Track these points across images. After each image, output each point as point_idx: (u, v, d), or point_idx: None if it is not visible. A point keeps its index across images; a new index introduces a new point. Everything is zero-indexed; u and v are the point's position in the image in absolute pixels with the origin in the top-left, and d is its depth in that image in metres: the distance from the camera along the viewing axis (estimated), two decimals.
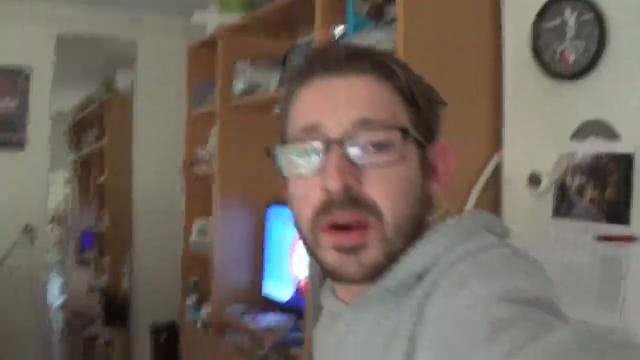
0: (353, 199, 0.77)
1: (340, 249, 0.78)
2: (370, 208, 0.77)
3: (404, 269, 0.78)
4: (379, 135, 0.78)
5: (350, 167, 0.77)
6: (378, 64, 0.81)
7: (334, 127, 0.78)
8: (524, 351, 0.58)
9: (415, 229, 0.80)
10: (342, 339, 0.86)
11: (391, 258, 0.78)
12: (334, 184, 0.76)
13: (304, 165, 0.80)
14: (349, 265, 0.78)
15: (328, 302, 0.91)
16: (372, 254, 0.78)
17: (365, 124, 0.78)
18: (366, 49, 0.85)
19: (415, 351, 0.71)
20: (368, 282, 0.79)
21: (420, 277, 0.77)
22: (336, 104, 0.79)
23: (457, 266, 0.73)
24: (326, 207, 0.78)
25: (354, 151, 0.78)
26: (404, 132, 0.79)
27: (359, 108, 0.79)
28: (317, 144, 0.78)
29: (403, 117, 0.81)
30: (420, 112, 0.82)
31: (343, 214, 0.77)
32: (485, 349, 0.60)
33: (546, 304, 0.66)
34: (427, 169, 0.83)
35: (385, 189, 0.78)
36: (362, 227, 0.78)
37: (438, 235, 0.79)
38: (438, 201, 0.85)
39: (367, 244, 0.78)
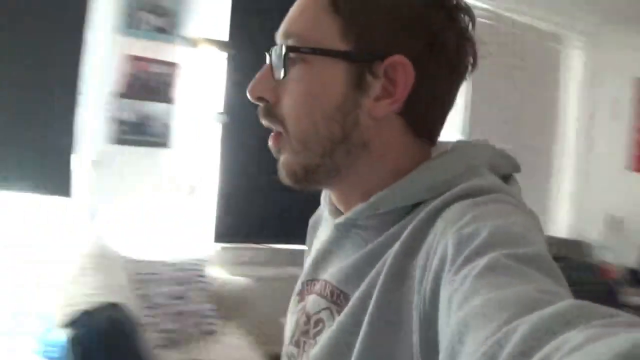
0: (267, 110, 0.82)
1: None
2: (278, 121, 0.81)
3: (394, 194, 0.78)
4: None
5: (272, 79, 0.80)
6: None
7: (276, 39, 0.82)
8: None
9: (334, 145, 0.80)
10: (331, 250, 0.88)
11: (308, 169, 0.81)
12: (249, 95, 0.82)
13: None
14: (279, 167, 0.84)
15: (325, 204, 0.93)
16: (287, 159, 0.82)
17: (286, 37, 0.80)
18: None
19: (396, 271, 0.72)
20: (300, 187, 0.84)
21: (414, 206, 0.77)
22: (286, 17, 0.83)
23: (455, 208, 0.71)
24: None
25: (273, 63, 0.80)
26: (304, 50, 0.78)
27: (288, 21, 0.82)
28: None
29: (330, 34, 0.78)
30: (354, 25, 0.78)
31: (265, 122, 0.83)
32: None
33: (546, 264, 0.62)
34: (364, 86, 0.78)
35: (287, 103, 0.80)
36: (276, 134, 0.83)
37: (438, 165, 0.79)
38: (374, 120, 0.79)
39: (281, 150, 0.83)
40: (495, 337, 0.49)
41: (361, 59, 0.78)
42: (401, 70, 0.77)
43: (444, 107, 0.83)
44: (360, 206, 0.81)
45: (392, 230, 0.78)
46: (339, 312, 0.79)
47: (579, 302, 0.50)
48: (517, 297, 0.53)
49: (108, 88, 3.39)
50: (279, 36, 0.82)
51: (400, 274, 0.72)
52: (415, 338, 0.67)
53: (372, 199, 0.80)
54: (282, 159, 0.83)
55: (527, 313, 0.50)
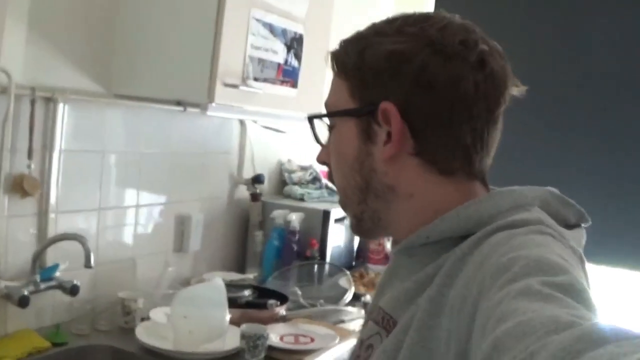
0: (328, 173, 0.97)
1: None
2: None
3: (442, 224, 0.84)
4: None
5: (327, 146, 0.96)
6: (337, 60, 0.92)
7: None
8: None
9: (362, 192, 0.90)
10: (390, 277, 0.96)
11: (357, 218, 0.94)
12: (316, 160, 0.99)
13: None
14: None
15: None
16: (348, 212, 0.95)
17: (324, 108, 0.95)
18: (341, 47, 0.92)
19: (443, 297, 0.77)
20: (363, 236, 0.99)
21: (466, 236, 0.81)
22: None
23: (496, 238, 0.76)
24: None
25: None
26: (328, 115, 0.93)
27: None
28: None
29: (343, 97, 0.90)
30: (356, 84, 0.88)
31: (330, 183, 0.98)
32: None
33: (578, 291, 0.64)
34: (372, 136, 0.87)
35: (332, 166, 0.94)
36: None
37: (486, 201, 0.84)
38: (388, 165, 0.87)
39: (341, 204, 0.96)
40: (522, 356, 0.51)
41: (364, 112, 0.87)
42: (392, 114, 0.84)
43: (463, 142, 0.86)
44: (412, 235, 0.87)
45: (439, 260, 0.82)
46: (387, 337, 0.85)
47: (607, 324, 0.52)
48: (548, 319, 0.54)
49: None
50: None
51: (440, 302, 0.77)
52: None
53: (422, 229, 0.85)
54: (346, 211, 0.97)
55: (555, 334, 0.51)
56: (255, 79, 1.96)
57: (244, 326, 1.79)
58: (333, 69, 0.93)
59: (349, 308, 2.34)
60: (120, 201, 2.09)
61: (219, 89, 1.83)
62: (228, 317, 1.77)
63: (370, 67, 0.87)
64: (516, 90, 0.89)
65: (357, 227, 0.95)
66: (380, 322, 0.88)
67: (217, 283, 1.81)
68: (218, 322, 1.74)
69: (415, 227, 0.87)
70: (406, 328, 0.80)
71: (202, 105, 1.87)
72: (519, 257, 0.67)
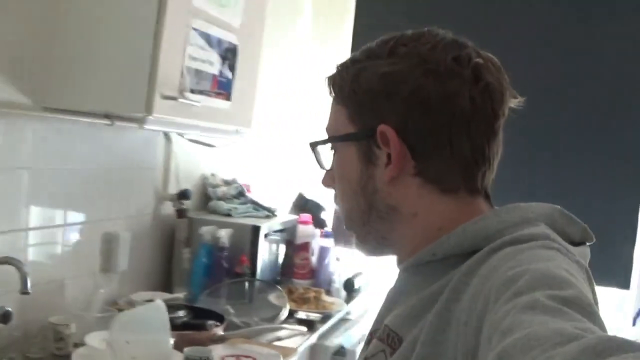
0: (334, 196, 0.98)
1: None
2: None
3: (449, 241, 0.84)
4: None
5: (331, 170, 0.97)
6: (333, 86, 0.93)
7: None
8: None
9: (364, 214, 0.92)
10: (395, 295, 0.94)
11: (362, 240, 0.96)
12: (321, 184, 1.00)
13: None
14: None
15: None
16: (353, 233, 0.96)
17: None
18: (337, 72, 0.94)
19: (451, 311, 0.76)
20: (369, 255, 0.98)
21: (472, 253, 0.80)
22: None
23: (502, 253, 0.76)
24: None
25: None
26: (328, 140, 0.94)
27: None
28: None
29: (343, 121, 0.91)
30: (353, 109, 0.90)
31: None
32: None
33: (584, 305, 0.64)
34: (373, 159, 0.88)
35: (337, 190, 0.96)
36: None
37: (492, 217, 0.84)
38: (390, 186, 0.88)
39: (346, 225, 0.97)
40: None
41: (363, 136, 0.89)
42: (390, 136, 0.85)
43: (463, 159, 0.86)
44: (418, 253, 0.87)
45: (446, 277, 0.81)
46: (392, 354, 0.84)
47: (611, 335, 0.53)
48: (553, 332, 0.55)
49: None
50: None
51: (447, 317, 0.77)
52: None
53: (428, 246, 0.86)
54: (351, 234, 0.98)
55: (560, 346, 0.52)
56: (192, 91, 1.89)
57: (187, 349, 1.71)
58: (330, 94, 0.94)
59: (286, 325, 2.30)
60: (46, 221, 1.96)
61: (158, 101, 1.74)
62: (172, 340, 1.69)
63: (365, 90, 0.88)
64: (514, 102, 0.90)
65: (362, 247, 0.97)
66: (385, 339, 0.87)
67: (157, 304, 1.72)
68: (163, 346, 1.66)
69: (419, 246, 0.88)
70: (413, 344, 0.80)
71: (140, 119, 1.78)
72: (526, 270, 0.68)
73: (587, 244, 0.88)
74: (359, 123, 0.89)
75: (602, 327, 0.61)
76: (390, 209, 0.89)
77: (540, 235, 0.79)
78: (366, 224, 0.93)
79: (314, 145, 0.97)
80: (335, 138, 0.94)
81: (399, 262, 0.95)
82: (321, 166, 0.98)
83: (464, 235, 0.83)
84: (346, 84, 0.90)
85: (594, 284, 0.80)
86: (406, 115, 0.85)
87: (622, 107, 3.32)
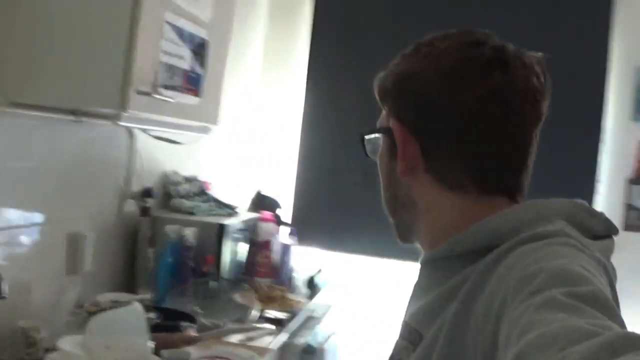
0: None
1: None
2: None
3: (466, 237, 0.85)
4: None
5: None
6: (376, 85, 0.97)
7: None
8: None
9: (392, 203, 0.97)
10: (415, 291, 0.95)
11: (395, 228, 0.99)
12: None
13: None
14: None
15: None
16: (391, 221, 0.99)
17: None
18: (381, 78, 0.97)
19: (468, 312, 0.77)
20: (405, 244, 1.00)
21: (489, 249, 0.81)
22: None
23: (520, 251, 0.76)
24: None
25: None
26: (370, 132, 0.98)
27: None
28: None
29: (385, 117, 0.95)
30: (387, 107, 0.94)
31: None
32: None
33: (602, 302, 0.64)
34: (394, 152, 0.92)
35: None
36: None
37: (508, 214, 0.84)
38: (408, 180, 0.92)
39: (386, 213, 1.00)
40: None
41: (384, 131, 0.94)
42: (395, 131, 0.91)
43: (473, 158, 0.88)
44: (435, 248, 0.90)
45: (464, 272, 0.82)
46: (414, 351, 0.85)
47: (628, 332, 0.53)
48: (570, 329, 0.55)
49: (622, 175, 3.45)
50: None
51: (466, 316, 0.77)
52: None
53: (447, 241, 0.87)
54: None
55: (577, 344, 0.52)
56: (165, 87, 1.84)
57: (166, 352, 1.67)
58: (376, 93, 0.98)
59: (257, 325, 2.27)
60: (5, 222, 1.87)
61: (133, 97, 1.68)
62: (151, 343, 1.64)
63: (386, 89, 0.94)
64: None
65: (397, 234, 1.00)
66: (407, 336, 0.89)
67: (135, 307, 1.67)
68: (142, 349, 1.61)
69: (432, 241, 0.92)
70: (433, 342, 0.81)
71: (113, 115, 1.72)
72: (542, 268, 0.68)
73: (613, 236, 0.88)
74: (392, 116, 0.93)
75: (620, 323, 0.61)
76: (410, 201, 0.94)
77: (556, 232, 0.79)
78: (396, 214, 0.98)
79: (361, 136, 1.01)
80: (367, 131, 0.99)
81: (422, 256, 0.97)
82: (367, 155, 1.02)
83: (481, 232, 0.84)
84: (381, 83, 0.96)
85: (616, 278, 0.81)
86: (417, 113, 0.89)
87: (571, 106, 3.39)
